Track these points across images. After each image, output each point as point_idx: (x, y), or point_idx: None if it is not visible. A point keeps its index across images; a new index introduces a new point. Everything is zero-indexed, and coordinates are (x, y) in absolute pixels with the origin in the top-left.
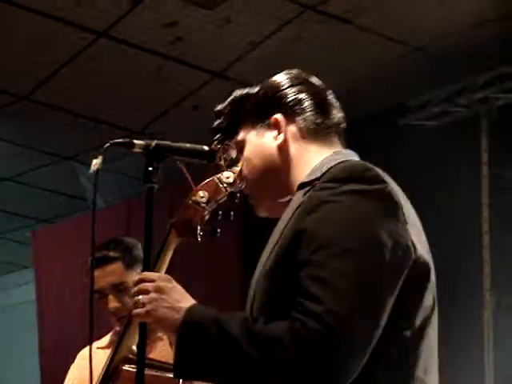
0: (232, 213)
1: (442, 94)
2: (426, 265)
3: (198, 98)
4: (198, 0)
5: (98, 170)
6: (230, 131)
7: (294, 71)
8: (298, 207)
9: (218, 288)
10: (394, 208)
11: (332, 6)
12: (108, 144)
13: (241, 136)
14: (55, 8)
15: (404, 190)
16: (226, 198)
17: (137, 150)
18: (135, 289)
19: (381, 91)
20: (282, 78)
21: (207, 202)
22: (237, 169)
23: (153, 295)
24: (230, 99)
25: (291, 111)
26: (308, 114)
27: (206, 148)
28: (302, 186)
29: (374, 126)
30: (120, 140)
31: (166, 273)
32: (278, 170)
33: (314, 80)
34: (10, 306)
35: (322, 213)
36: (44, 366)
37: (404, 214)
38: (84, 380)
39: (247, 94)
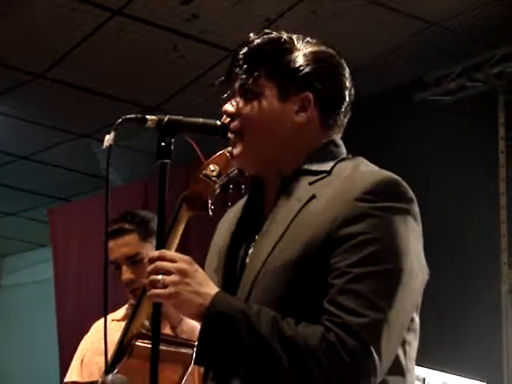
0: (243, 186)
1: (458, 69)
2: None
3: (215, 75)
4: None
5: (110, 146)
6: (250, 69)
7: (341, 57)
8: (310, 198)
9: None
10: (419, 227)
11: None
12: (120, 119)
13: (260, 84)
14: None
15: (420, 165)
16: (236, 171)
17: (149, 125)
18: (152, 266)
19: (397, 66)
20: (330, 59)
21: (218, 176)
22: None
23: (175, 277)
24: (268, 38)
25: (325, 99)
26: (335, 111)
27: (218, 122)
28: (302, 172)
29: (390, 101)
30: (132, 115)
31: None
32: (282, 140)
33: (349, 76)
34: (28, 284)
35: (365, 226)
36: (62, 341)
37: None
38: (97, 351)
39: (290, 47)
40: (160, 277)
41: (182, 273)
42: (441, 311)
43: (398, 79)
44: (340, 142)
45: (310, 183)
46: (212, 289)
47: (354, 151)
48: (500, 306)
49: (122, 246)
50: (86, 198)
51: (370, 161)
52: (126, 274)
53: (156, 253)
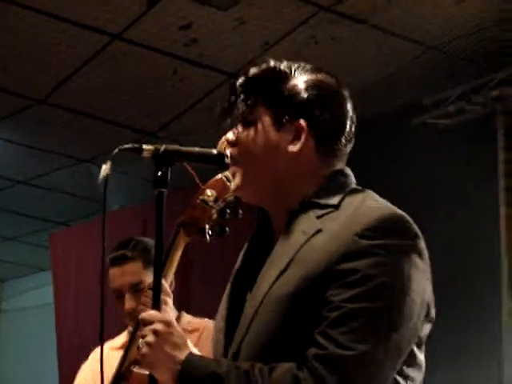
0: (240, 211)
1: (458, 92)
2: (433, 318)
3: (214, 99)
4: (211, 1)
5: (107, 176)
6: (248, 97)
7: (341, 85)
8: (315, 232)
9: None
10: (427, 265)
11: (346, 6)
12: (117, 150)
13: (256, 112)
14: (71, 11)
15: (420, 188)
16: (233, 195)
17: (146, 154)
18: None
19: (396, 90)
20: (328, 86)
21: (215, 201)
22: None
23: (149, 339)
24: (265, 67)
25: (322, 128)
26: (333, 139)
27: (214, 151)
28: (310, 204)
29: (389, 125)
30: (129, 145)
31: (176, 271)
32: (274, 170)
33: (350, 103)
34: (27, 309)
35: (365, 263)
36: (62, 367)
37: (429, 270)
38: (96, 380)
39: (286, 76)
40: (140, 341)
41: (157, 334)
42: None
43: (397, 102)
44: (348, 172)
45: (318, 217)
46: (183, 352)
47: (353, 175)
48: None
49: (125, 274)
50: (85, 223)
51: (368, 184)
52: (129, 302)
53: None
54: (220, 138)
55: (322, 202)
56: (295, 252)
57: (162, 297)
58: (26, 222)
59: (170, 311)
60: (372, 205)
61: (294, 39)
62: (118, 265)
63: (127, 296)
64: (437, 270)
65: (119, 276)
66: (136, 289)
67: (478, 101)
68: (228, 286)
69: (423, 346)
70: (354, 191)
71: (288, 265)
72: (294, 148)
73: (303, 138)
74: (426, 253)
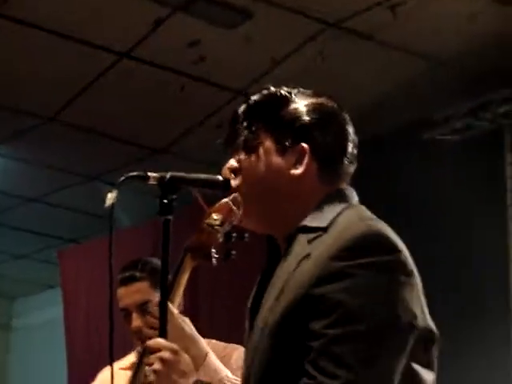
0: (246, 234)
1: (466, 108)
2: (433, 332)
3: (222, 116)
4: (219, 19)
5: (113, 205)
6: (248, 125)
7: (342, 108)
8: (304, 257)
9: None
10: (408, 276)
11: (354, 22)
12: (123, 178)
13: (258, 138)
14: (79, 30)
15: (428, 204)
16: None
17: (151, 182)
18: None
19: (404, 106)
20: (329, 110)
21: (221, 225)
22: None
23: (156, 366)
24: (266, 93)
25: (323, 151)
26: (336, 162)
27: (220, 178)
28: (303, 229)
29: (398, 141)
30: (135, 173)
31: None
32: (279, 195)
33: (351, 127)
34: (37, 326)
35: (342, 285)
36: (72, 382)
37: (417, 282)
38: None
39: (287, 100)
40: (146, 368)
41: (164, 362)
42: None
43: (406, 118)
44: (345, 191)
45: (309, 241)
46: (190, 380)
47: (361, 191)
48: (510, 344)
49: (133, 293)
50: (94, 240)
51: (377, 201)
52: (136, 321)
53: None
54: (227, 159)
55: (314, 225)
56: (286, 279)
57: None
58: (36, 240)
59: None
60: (351, 224)
61: (301, 56)
62: (125, 284)
63: (134, 315)
64: (442, 287)
65: (126, 295)
66: (143, 308)
67: (485, 117)
68: (246, 314)
69: (433, 364)
70: (346, 210)
71: (280, 292)
72: (296, 171)
73: (306, 161)
74: (408, 265)
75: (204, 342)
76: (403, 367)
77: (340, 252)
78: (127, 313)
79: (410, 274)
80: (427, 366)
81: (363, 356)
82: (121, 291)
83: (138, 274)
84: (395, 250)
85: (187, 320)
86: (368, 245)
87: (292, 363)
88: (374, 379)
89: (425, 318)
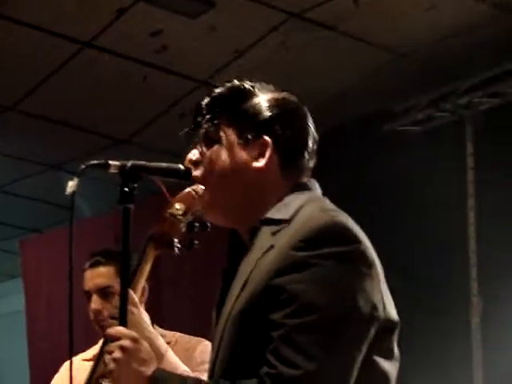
0: (209, 224)
1: (427, 100)
2: (393, 322)
3: (185, 106)
4: (181, 9)
5: (74, 193)
6: (211, 117)
7: (302, 103)
8: (268, 249)
9: (207, 297)
10: (369, 267)
11: (317, 13)
12: (83, 166)
13: (221, 131)
14: (41, 19)
15: (390, 194)
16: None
17: (112, 170)
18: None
19: (366, 97)
20: (290, 105)
21: (184, 214)
22: None
23: (116, 355)
24: (229, 86)
25: (285, 144)
26: (297, 155)
27: (181, 167)
28: (266, 221)
29: (360, 132)
30: (95, 162)
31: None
32: (242, 187)
33: (311, 120)
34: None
35: (301, 276)
36: (34, 374)
37: (378, 273)
38: None
39: (250, 94)
40: (107, 357)
41: (124, 350)
42: (409, 343)
43: (368, 109)
44: (309, 184)
45: (273, 233)
46: (150, 368)
47: (321, 183)
48: (470, 337)
49: (96, 276)
50: (56, 230)
51: (339, 193)
52: (95, 304)
53: (108, 330)
54: (189, 149)
55: (277, 217)
56: (250, 270)
57: (129, 308)
58: None
59: (135, 320)
60: (313, 215)
61: (264, 46)
62: (91, 268)
63: (94, 297)
64: (407, 269)
65: (90, 278)
66: (104, 291)
67: (446, 108)
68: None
69: (393, 354)
70: (309, 202)
71: (245, 283)
72: (259, 164)
73: (268, 154)
74: (369, 256)
75: (162, 340)
76: (364, 359)
77: (301, 242)
78: (89, 295)
79: (370, 265)
80: (388, 356)
81: (323, 346)
82: (86, 274)
83: (103, 259)
84: (356, 241)
85: (146, 317)
86: (329, 235)
87: (255, 352)
88: (333, 369)
89: (385, 309)
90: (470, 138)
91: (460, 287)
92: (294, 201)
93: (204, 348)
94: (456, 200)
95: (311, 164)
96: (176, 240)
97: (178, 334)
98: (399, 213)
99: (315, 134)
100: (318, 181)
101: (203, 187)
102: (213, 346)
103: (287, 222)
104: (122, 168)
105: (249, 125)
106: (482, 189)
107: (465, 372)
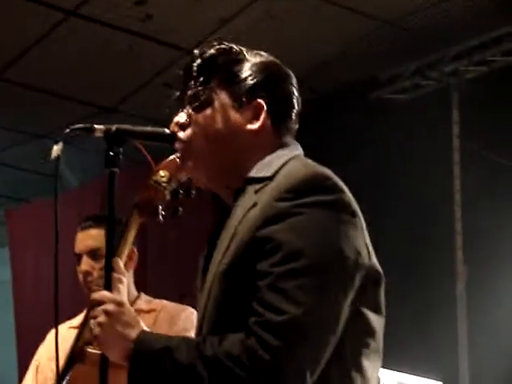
0: (193, 191)
1: (413, 68)
2: (379, 273)
3: (170, 75)
4: None
5: (58, 156)
6: (203, 79)
7: (289, 71)
8: (251, 207)
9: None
10: (353, 216)
11: None
12: (68, 130)
13: (213, 93)
14: None
15: (376, 162)
16: (187, 176)
17: (97, 134)
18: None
19: (352, 65)
20: (279, 68)
21: (168, 182)
22: None
23: (101, 319)
24: (220, 49)
25: (276, 106)
26: (287, 118)
27: (167, 131)
28: (250, 180)
29: (345, 100)
30: (80, 125)
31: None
32: (235, 150)
33: (296, 84)
34: None
35: (286, 224)
36: (21, 345)
37: (362, 223)
38: (53, 358)
39: (242, 57)
40: (91, 321)
41: (108, 314)
42: (395, 310)
43: (353, 77)
44: (291, 143)
45: (256, 191)
46: (135, 331)
47: (308, 150)
48: (455, 305)
49: (86, 238)
50: (43, 199)
51: (323, 158)
52: (85, 265)
53: (93, 295)
54: (176, 114)
55: (260, 175)
56: (235, 227)
57: (116, 275)
58: None
59: (124, 289)
60: (295, 168)
61: (249, 14)
62: (82, 230)
63: (84, 258)
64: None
65: (81, 240)
66: (94, 253)
67: (432, 76)
68: (199, 268)
69: (381, 308)
70: (292, 160)
71: (231, 240)
72: (253, 126)
73: (263, 116)
74: (353, 206)
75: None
76: (352, 311)
77: (284, 193)
78: (79, 257)
79: (353, 213)
80: (376, 310)
81: (309, 291)
82: (77, 237)
83: (94, 222)
84: (339, 190)
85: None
86: (313, 185)
87: (243, 305)
88: (320, 313)
89: (370, 257)
90: (456, 106)
91: (445, 255)
92: (276, 159)
93: (188, 315)
94: (442, 168)
95: (296, 126)
96: (160, 207)
97: (165, 301)
98: (385, 181)
99: (299, 97)
100: (302, 147)
101: (190, 149)
102: (199, 308)
103: (270, 179)
104: (107, 132)
105: (242, 88)
106: (467, 156)
107: (450, 337)
